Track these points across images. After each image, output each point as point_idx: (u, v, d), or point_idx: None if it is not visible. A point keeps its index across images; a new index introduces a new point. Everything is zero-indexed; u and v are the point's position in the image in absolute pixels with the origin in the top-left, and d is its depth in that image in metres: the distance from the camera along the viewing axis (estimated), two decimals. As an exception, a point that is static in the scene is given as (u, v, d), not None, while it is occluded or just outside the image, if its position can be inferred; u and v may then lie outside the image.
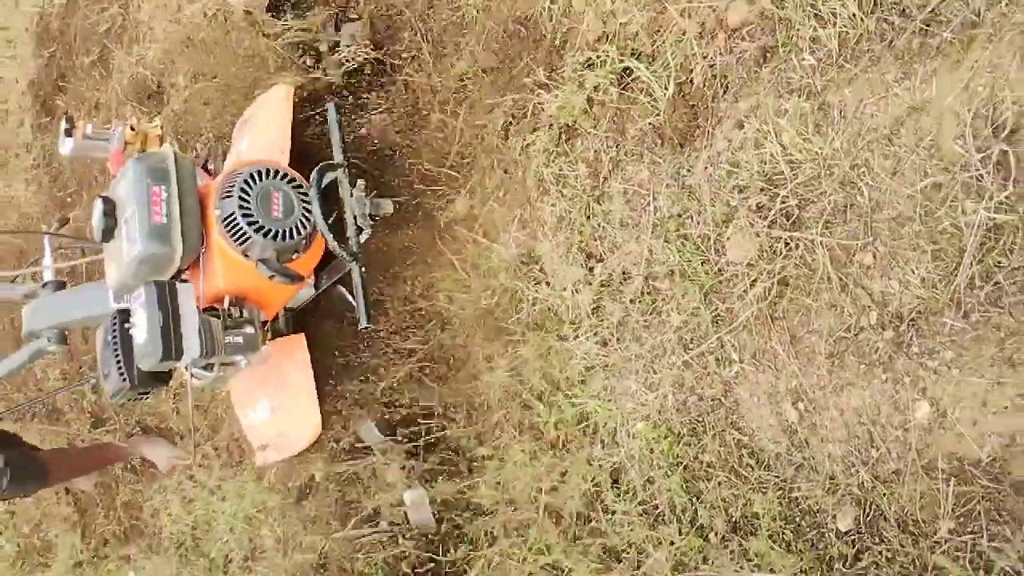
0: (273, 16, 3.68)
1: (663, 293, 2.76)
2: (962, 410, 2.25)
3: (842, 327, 2.45)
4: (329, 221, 2.86)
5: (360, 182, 3.06)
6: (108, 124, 3.15)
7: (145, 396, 2.96)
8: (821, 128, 2.47)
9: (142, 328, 2.65)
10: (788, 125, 2.49)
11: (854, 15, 2.41)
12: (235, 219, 2.74)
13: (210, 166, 3.60)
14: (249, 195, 2.76)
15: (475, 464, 3.24)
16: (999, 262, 2.19)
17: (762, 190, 2.54)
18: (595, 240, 2.93)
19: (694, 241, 2.69)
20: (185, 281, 2.79)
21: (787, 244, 2.52)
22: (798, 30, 2.51)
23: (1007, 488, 2.20)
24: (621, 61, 2.85)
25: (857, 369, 2.42)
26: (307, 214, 2.85)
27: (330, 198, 3.02)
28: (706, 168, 2.67)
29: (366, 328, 3.09)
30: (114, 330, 2.84)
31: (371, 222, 3.05)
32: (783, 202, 2.52)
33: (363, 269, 3.01)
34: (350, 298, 3.18)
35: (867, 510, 2.42)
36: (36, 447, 3.93)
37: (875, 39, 2.41)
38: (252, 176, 2.80)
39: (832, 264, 2.45)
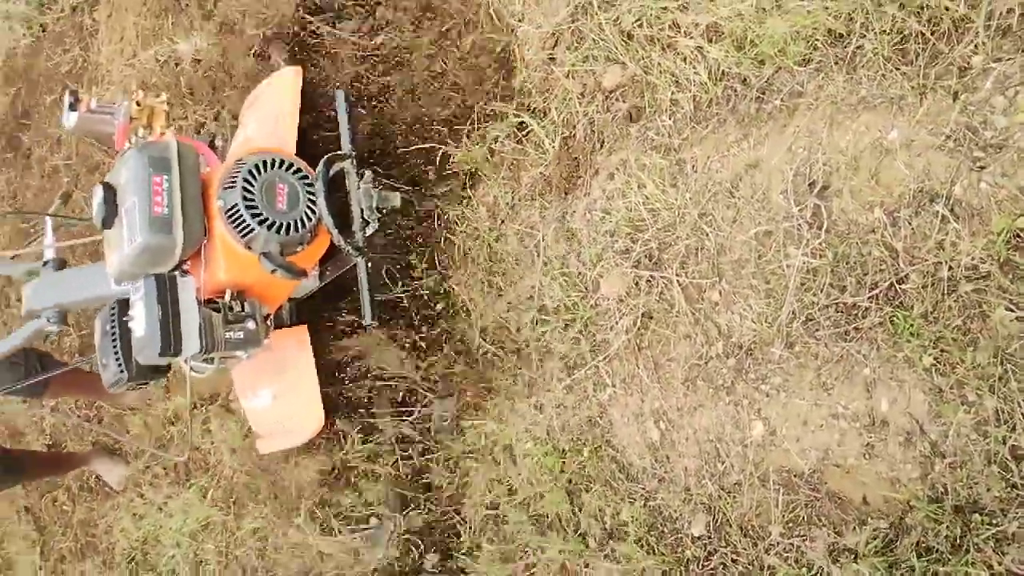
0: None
1: (551, 324, 3.22)
2: (788, 428, 2.71)
3: (695, 356, 2.91)
4: (335, 214, 2.87)
5: (367, 173, 3.02)
6: (114, 101, 3.07)
7: (144, 386, 2.98)
8: (676, 181, 2.94)
9: (141, 322, 2.65)
10: (649, 178, 2.96)
11: (705, 82, 2.89)
12: (238, 211, 2.73)
13: (218, 142, 3.67)
14: (253, 186, 2.75)
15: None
16: (814, 300, 2.66)
17: (628, 234, 3.01)
18: (495, 275, 3.39)
19: (574, 278, 3.15)
20: (186, 273, 2.77)
21: (649, 282, 2.98)
22: (661, 94, 2.99)
23: (823, 496, 2.66)
24: (517, 116, 3.32)
25: (706, 393, 2.88)
26: (312, 206, 2.84)
27: (336, 189, 3.02)
28: (584, 214, 3.14)
29: (371, 326, 3.17)
30: (112, 321, 2.84)
31: (378, 215, 3.02)
32: (645, 245, 2.98)
33: (369, 264, 3.06)
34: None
35: (715, 517, 2.87)
36: (7, 448, 4.43)
37: (722, 103, 2.89)
38: (257, 166, 2.79)
39: (686, 300, 2.91)
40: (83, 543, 5.04)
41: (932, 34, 2.51)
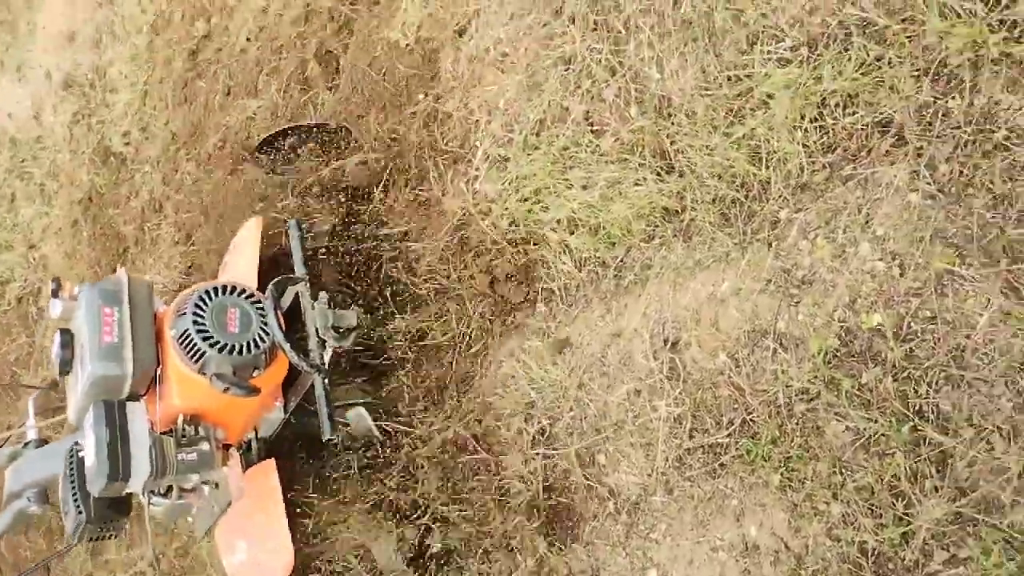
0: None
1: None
2: (677, 570, 2.95)
3: (591, 517, 3.19)
4: (292, 338, 2.92)
5: (322, 295, 3.10)
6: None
7: (107, 534, 2.90)
8: (556, 360, 3.34)
9: (91, 449, 2.64)
10: (533, 361, 3.37)
11: (571, 270, 3.36)
12: (189, 335, 2.81)
13: None
14: (204, 311, 2.86)
15: None
16: (682, 445, 2.98)
17: (521, 413, 3.37)
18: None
19: (480, 463, 3.48)
20: (139, 399, 2.81)
21: (546, 457, 3.31)
22: (537, 284, 3.46)
23: (717, 630, 2.86)
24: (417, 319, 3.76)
25: (604, 550, 3.13)
26: (265, 329, 2.91)
27: (294, 316, 3.13)
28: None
29: (330, 440, 3.17)
30: (71, 462, 2.85)
31: (335, 334, 3.07)
32: (538, 422, 3.34)
33: (326, 381, 3.09)
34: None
35: (624, 675, 3.04)
36: None
37: (587, 285, 3.35)
38: (207, 292, 2.90)
39: (580, 466, 3.23)
40: None
41: (746, 198, 3.00)
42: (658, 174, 3.13)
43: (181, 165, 4.86)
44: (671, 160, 3.12)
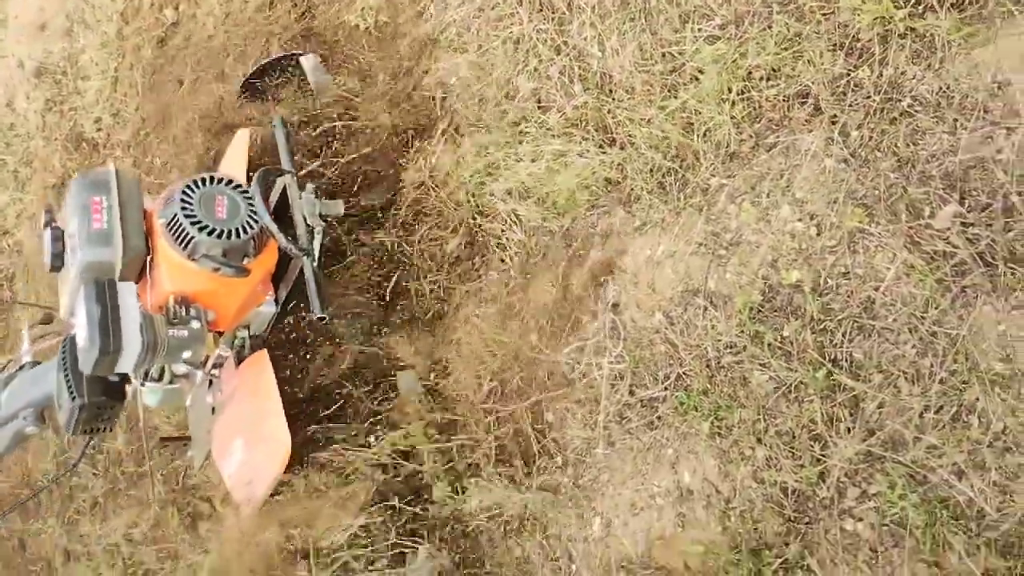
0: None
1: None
2: (619, 517, 3.20)
3: (543, 472, 3.43)
4: (281, 226, 2.99)
5: (309, 186, 3.20)
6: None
7: (101, 424, 2.96)
8: (506, 324, 3.58)
9: (82, 326, 2.69)
10: (485, 324, 3.61)
11: (522, 239, 3.60)
12: (178, 221, 2.88)
13: None
14: (191, 198, 2.92)
15: None
16: (623, 399, 3.22)
17: (476, 376, 3.61)
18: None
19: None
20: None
21: (499, 415, 3.55)
22: (490, 254, 3.69)
23: (653, 572, 3.10)
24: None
25: (555, 504, 3.37)
26: (253, 216, 2.97)
27: (282, 207, 3.22)
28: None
29: (322, 318, 3.19)
30: (63, 349, 2.92)
31: (322, 223, 3.18)
32: (492, 380, 3.58)
33: (315, 264, 3.14)
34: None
35: (571, 619, 3.29)
36: None
37: (536, 253, 3.59)
38: (195, 181, 2.97)
39: (532, 424, 3.47)
40: None
41: (680, 167, 3.24)
42: (600, 147, 3.37)
43: (152, 149, 5.07)
44: (612, 133, 3.36)
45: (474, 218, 3.69)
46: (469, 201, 3.69)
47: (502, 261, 3.63)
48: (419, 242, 3.84)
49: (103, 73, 5.57)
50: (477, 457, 3.42)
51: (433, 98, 3.84)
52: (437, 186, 3.74)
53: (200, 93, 4.75)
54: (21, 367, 3.30)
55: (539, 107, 3.49)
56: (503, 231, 3.60)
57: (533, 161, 3.46)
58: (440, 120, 3.88)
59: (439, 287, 3.79)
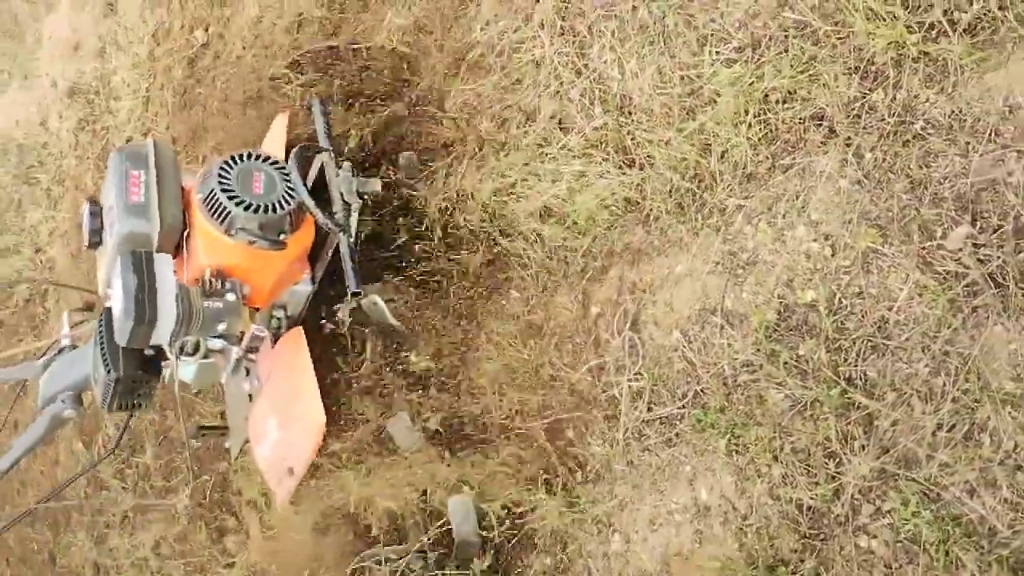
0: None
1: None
2: (638, 533, 3.26)
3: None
4: (318, 204, 3.04)
5: (346, 164, 3.26)
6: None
7: (136, 399, 2.98)
8: (528, 341, 3.66)
9: (118, 296, 2.74)
10: (507, 342, 3.69)
11: (544, 259, 3.68)
12: (215, 196, 2.92)
13: None
14: (229, 174, 2.96)
15: None
16: (641, 417, 3.29)
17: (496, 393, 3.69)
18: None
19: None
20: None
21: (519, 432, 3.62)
22: (511, 272, 3.77)
23: (675, 589, 3.16)
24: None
25: (574, 519, 3.44)
26: (290, 192, 3.01)
27: (320, 185, 3.26)
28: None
29: (357, 294, 3.21)
30: (100, 322, 2.96)
31: (359, 200, 3.22)
32: (513, 399, 3.65)
33: (351, 239, 3.18)
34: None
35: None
36: None
37: (557, 272, 3.66)
38: (232, 158, 3.01)
39: (551, 439, 3.54)
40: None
41: (698, 188, 3.31)
42: (620, 167, 3.44)
43: (182, 167, 5.18)
44: (632, 154, 3.43)
45: (495, 238, 3.76)
46: (491, 220, 3.76)
47: (523, 280, 3.69)
48: (441, 259, 3.92)
49: (135, 93, 5.71)
50: (495, 472, 3.47)
51: (455, 119, 3.93)
52: (459, 206, 3.82)
53: (229, 113, 4.87)
54: (60, 351, 3.36)
55: (560, 128, 3.57)
56: (524, 250, 3.67)
57: (554, 182, 3.53)
58: (464, 140, 3.95)
59: (461, 305, 3.86)
